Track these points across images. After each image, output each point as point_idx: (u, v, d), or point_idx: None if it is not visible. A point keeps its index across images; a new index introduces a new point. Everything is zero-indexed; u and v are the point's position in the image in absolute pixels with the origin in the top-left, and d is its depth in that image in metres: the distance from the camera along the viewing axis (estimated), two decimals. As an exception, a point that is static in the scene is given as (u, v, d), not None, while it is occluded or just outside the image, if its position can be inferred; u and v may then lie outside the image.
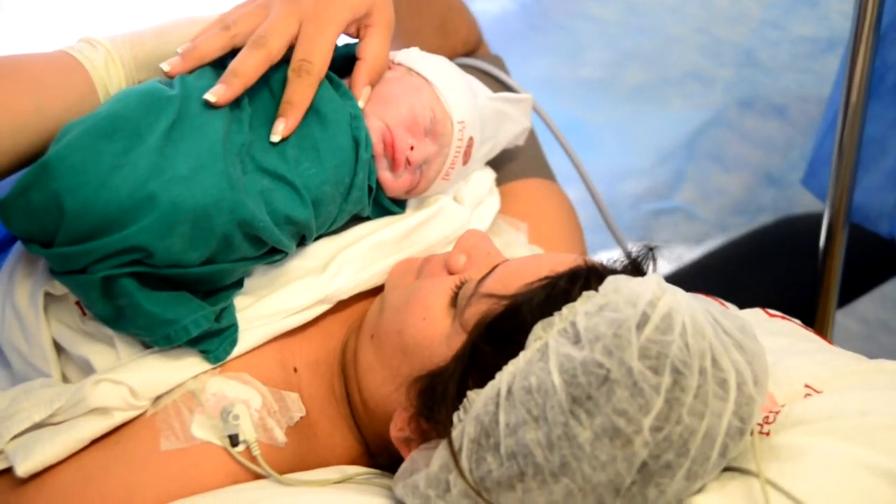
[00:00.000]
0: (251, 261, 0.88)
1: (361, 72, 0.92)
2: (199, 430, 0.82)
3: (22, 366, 0.89)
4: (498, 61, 1.29)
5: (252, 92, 0.87)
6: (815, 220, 1.54)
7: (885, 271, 1.66)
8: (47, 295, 0.87)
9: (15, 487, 0.80)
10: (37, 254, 0.82)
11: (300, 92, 0.87)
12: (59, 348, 0.88)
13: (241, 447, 0.82)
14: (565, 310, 0.75)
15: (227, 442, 0.82)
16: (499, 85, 1.22)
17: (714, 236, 1.68)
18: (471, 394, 0.76)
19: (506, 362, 0.75)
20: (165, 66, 0.85)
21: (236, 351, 0.86)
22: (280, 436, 0.85)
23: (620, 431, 0.70)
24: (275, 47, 0.86)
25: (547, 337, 0.75)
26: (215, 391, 0.84)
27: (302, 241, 0.92)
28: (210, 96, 0.83)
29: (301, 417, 0.87)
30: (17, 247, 0.92)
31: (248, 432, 0.82)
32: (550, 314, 0.76)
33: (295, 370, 0.91)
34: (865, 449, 0.74)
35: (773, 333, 0.98)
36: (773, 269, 1.61)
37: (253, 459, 0.82)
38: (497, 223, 1.11)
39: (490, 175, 1.12)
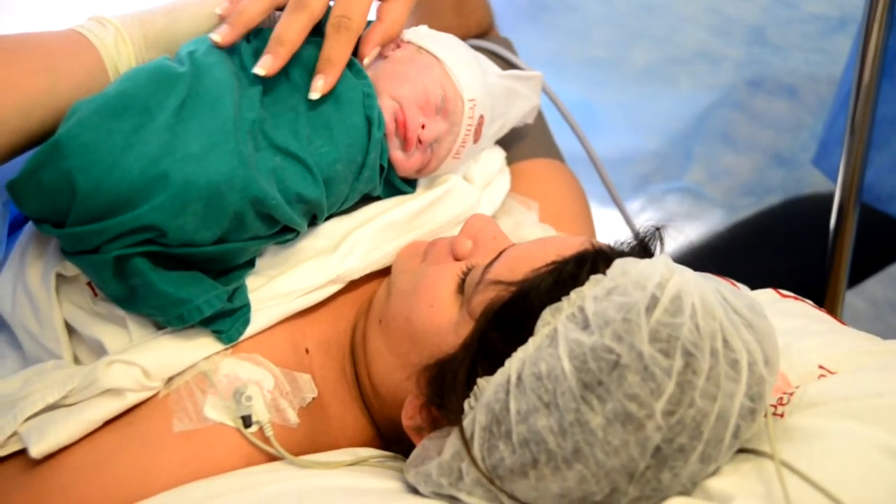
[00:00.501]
0: (263, 240, 0.87)
1: (376, 31, 0.92)
2: (212, 411, 0.82)
3: (33, 347, 0.89)
4: (507, 43, 1.29)
5: None
6: (823, 200, 1.53)
7: (895, 251, 1.66)
8: (59, 276, 0.86)
9: (29, 468, 0.81)
10: (48, 234, 0.82)
11: (339, 48, 0.87)
12: (70, 330, 0.88)
13: (254, 428, 0.82)
14: (573, 294, 0.75)
15: (239, 423, 0.82)
16: (508, 66, 1.21)
17: (722, 217, 1.67)
18: (481, 381, 0.76)
19: (515, 349, 0.75)
20: (216, 37, 0.84)
21: (248, 331, 0.87)
22: (293, 417, 0.85)
23: (632, 416, 0.70)
24: (316, 8, 0.85)
25: (555, 322, 0.74)
26: (227, 372, 0.84)
27: (313, 221, 0.92)
28: (259, 70, 0.83)
29: (313, 399, 0.87)
30: (28, 228, 0.92)
31: (261, 413, 0.83)
32: (558, 299, 0.75)
33: (306, 351, 0.91)
34: (881, 430, 0.73)
35: (786, 314, 0.97)
36: (781, 250, 1.61)
37: (266, 440, 0.82)
38: (508, 202, 1.11)
39: (500, 154, 1.12)
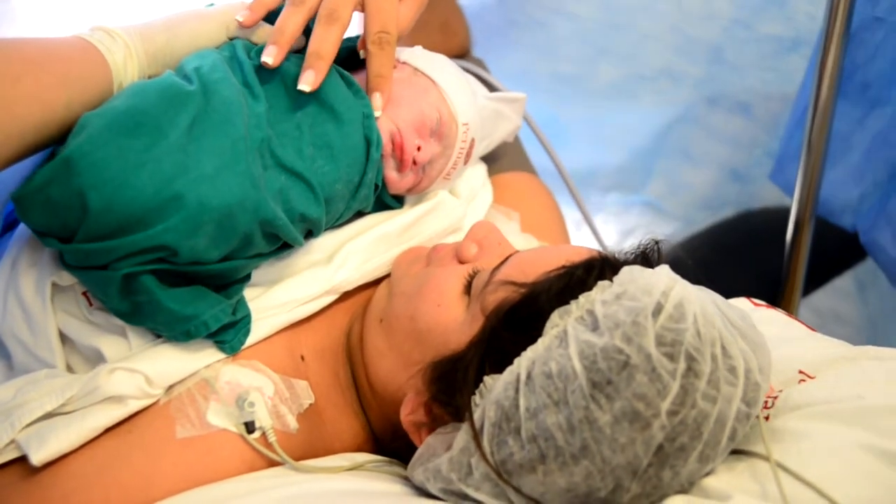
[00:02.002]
0: (265, 256, 0.90)
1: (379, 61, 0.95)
2: (215, 417, 0.84)
3: (24, 357, 0.90)
4: (481, 63, 1.34)
5: (268, 86, 0.89)
6: (775, 213, 1.60)
7: (844, 264, 1.73)
8: (53, 285, 0.87)
9: (29, 476, 0.81)
10: (53, 248, 0.83)
11: (387, 64, 0.93)
12: (63, 339, 0.89)
13: (256, 434, 0.84)
14: (582, 298, 0.79)
15: (242, 429, 0.84)
16: (490, 88, 1.25)
17: (680, 229, 1.73)
18: (488, 379, 0.79)
19: (524, 348, 0.78)
20: (268, 59, 0.88)
21: (248, 340, 0.88)
22: (292, 422, 0.87)
23: (639, 415, 0.74)
24: (346, 18, 0.90)
25: (565, 324, 0.78)
26: (229, 379, 0.86)
27: (308, 235, 0.94)
28: (304, 86, 0.87)
29: (310, 404, 0.90)
30: (18, 236, 0.93)
31: (263, 419, 0.84)
32: (567, 302, 0.79)
33: (302, 358, 0.93)
34: (864, 431, 0.78)
35: (762, 322, 1.02)
36: (734, 261, 1.66)
37: (269, 446, 0.84)
38: (490, 213, 1.15)
39: (483, 168, 1.16)
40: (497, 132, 1.15)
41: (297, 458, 0.86)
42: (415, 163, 0.99)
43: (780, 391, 0.88)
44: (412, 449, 0.87)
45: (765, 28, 1.51)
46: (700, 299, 0.79)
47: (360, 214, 1.01)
